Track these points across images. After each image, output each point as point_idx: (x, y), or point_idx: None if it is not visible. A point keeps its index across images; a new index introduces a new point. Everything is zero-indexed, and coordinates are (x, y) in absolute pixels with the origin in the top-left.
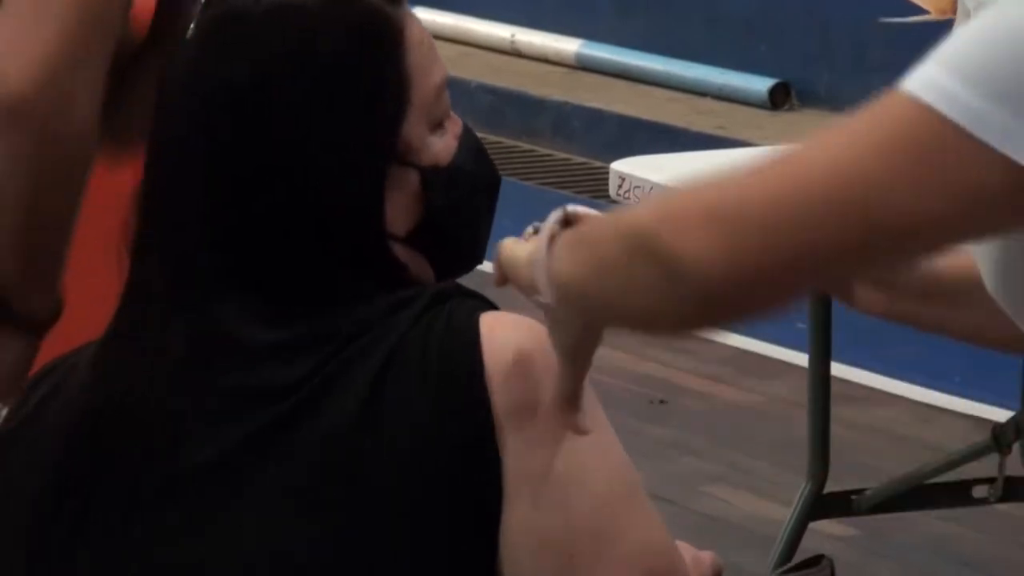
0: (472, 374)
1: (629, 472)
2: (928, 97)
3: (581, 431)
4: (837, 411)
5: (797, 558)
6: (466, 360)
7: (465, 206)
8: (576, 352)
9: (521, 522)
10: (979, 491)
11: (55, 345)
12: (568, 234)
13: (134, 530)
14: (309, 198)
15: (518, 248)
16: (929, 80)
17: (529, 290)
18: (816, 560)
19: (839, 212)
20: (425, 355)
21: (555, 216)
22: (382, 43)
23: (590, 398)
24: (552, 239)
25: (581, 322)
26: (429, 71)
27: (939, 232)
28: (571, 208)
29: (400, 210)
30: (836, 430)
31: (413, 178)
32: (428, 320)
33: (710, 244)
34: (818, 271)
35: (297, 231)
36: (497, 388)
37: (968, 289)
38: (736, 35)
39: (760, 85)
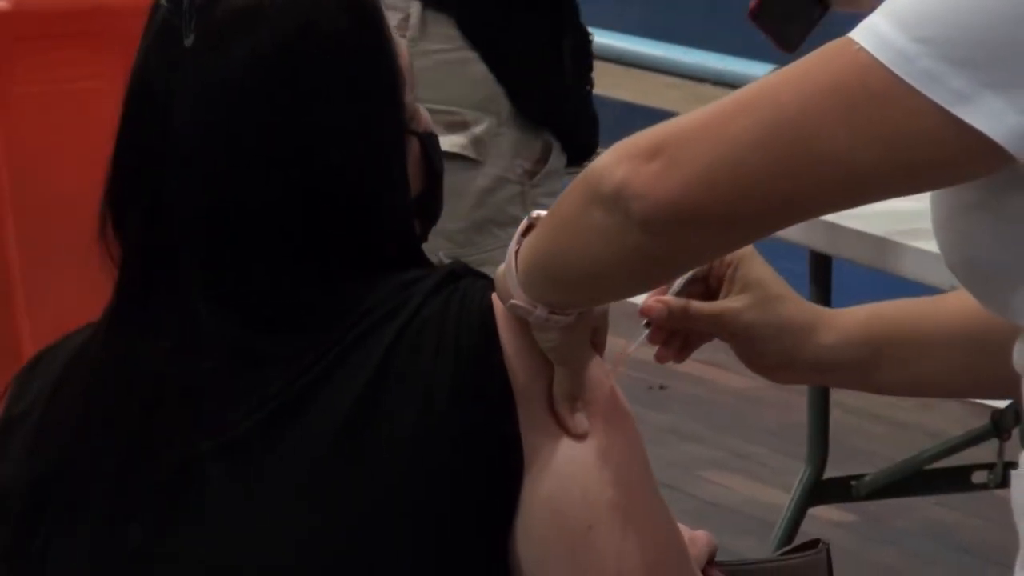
0: (490, 353)
1: (643, 448)
2: (864, 40)
3: (577, 433)
4: (836, 396)
5: (795, 543)
6: (484, 338)
7: (443, 166)
8: (565, 355)
9: (539, 495)
10: (978, 477)
11: (50, 335)
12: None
13: (132, 517)
14: (341, 184)
15: (499, 268)
16: (868, 25)
17: (512, 307)
18: (812, 544)
19: (778, 150)
20: (442, 333)
21: (521, 226)
22: (372, 15)
23: (602, 379)
24: (518, 245)
25: (557, 325)
26: (397, 38)
27: (879, 177)
28: (535, 213)
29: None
30: (835, 416)
31: (415, 146)
32: (443, 298)
33: (651, 171)
34: (756, 210)
35: (327, 219)
36: (516, 366)
37: (865, 361)
38: (736, 21)
39: (760, 71)
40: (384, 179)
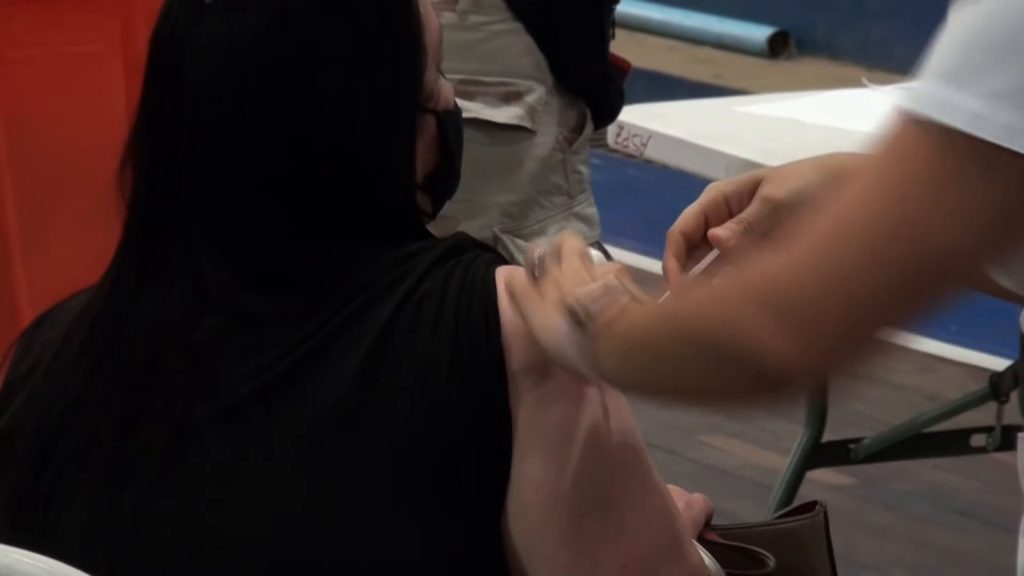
0: (489, 329)
1: (638, 435)
2: (928, 110)
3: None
4: None
5: (793, 506)
6: (484, 314)
7: (462, 145)
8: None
9: (531, 480)
10: (977, 440)
11: (48, 297)
12: (610, 327)
13: (130, 477)
14: (345, 153)
15: (537, 310)
16: (924, 94)
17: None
18: (810, 506)
19: (898, 263)
20: (442, 306)
21: (584, 305)
22: None
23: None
24: (579, 322)
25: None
26: (430, 13)
27: (990, 245)
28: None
29: (419, 157)
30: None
31: (431, 124)
32: (445, 271)
33: (774, 335)
34: (886, 323)
35: (323, 187)
36: (513, 344)
37: None
38: None
39: (759, 34)
40: (386, 152)
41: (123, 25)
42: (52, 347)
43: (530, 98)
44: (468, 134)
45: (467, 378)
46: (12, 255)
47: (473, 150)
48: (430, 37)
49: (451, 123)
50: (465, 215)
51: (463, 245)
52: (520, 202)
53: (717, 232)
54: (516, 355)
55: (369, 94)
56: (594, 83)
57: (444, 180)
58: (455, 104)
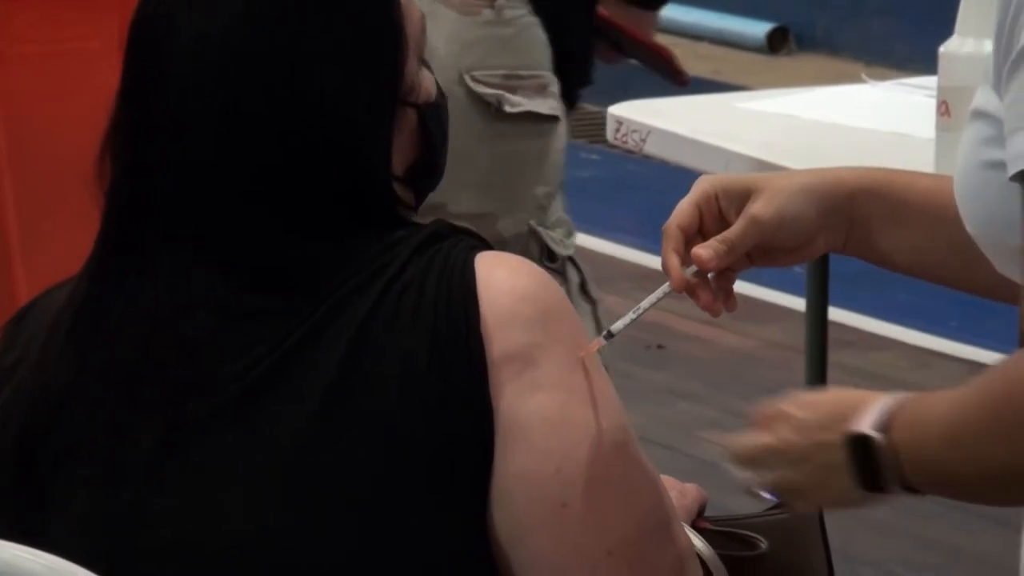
0: (469, 318)
1: (624, 421)
2: None
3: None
4: (834, 356)
5: None
6: (463, 303)
7: (446, 137)
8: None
9: (514, 469)
10: None
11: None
12: (909, 430)
13: (124, 477)
14: (339, 148)
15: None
16: None
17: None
18: None
19: None
20: (421, 295)
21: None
22: None
23: (579, 346)
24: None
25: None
26: (412, 5)
27: None
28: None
29: (399, 150)
30: (833, 375)
31: (411, 117)
32: (426, 259)
33: None
34: None
35: (306, 179)
36: (494, 334)
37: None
38: None
39: (758, 29)
40: (374, 146)
41: (121, 22)
42: (38, 339)
43: (554, 88)
44: (517, 128)
45: (447, 368)
46: (12, 254)
47: (518, 142)
48: (411, 28)
49: (433, 116)
50: (504, 211)
51: (443, 232)
52: (550, 194)
53: (699, 252)
54: (496, 344)
55: (361, 89)
56: (583, 76)
57: (425, 173)
58: (437, 96)
